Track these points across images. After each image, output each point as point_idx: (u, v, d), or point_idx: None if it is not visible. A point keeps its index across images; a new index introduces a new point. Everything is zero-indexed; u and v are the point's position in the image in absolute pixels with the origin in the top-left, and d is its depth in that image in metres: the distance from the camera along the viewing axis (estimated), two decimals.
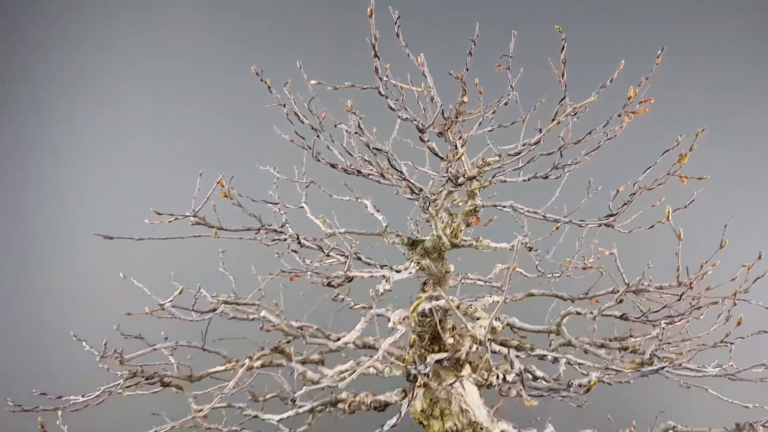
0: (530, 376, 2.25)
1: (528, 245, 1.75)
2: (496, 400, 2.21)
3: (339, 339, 1.98)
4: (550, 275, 2.04)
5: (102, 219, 3.40)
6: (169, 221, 1.62)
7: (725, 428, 1.56)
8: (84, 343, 1.87)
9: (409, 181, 1.54)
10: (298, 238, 1.56)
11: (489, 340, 1.33)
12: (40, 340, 3.51)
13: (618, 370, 1.54)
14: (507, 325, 1.76)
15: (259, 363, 1.79)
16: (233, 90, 3.55)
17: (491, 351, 1.37)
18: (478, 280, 2.07)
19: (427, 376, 1.99)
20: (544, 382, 2.26)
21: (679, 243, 1.33)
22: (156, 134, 3.61)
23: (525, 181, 1.81)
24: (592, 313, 1.59)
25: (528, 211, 1.67)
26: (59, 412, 1.79)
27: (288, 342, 1.87)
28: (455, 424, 1.90)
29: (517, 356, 1.67)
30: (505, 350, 1.66)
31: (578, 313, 1.63)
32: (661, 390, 2.82)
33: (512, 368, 1.53)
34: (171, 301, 1.49)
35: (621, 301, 1.50)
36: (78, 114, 3.67)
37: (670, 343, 1.57)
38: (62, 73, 3.71)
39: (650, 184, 1.58)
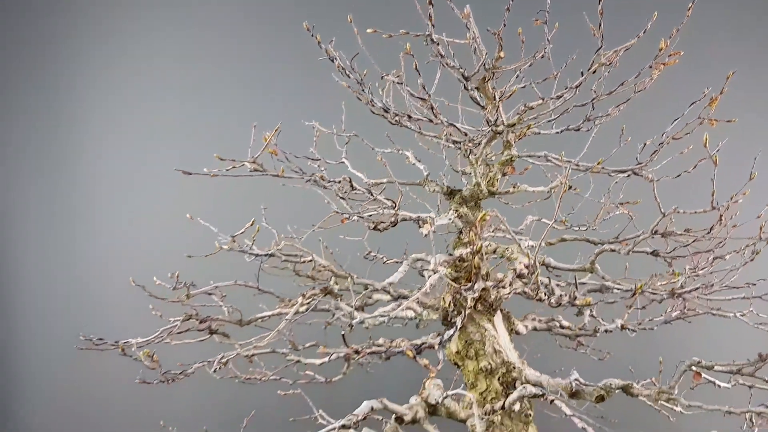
0: (557, 324, 2.38)
1: (567, 185, 1.85)
2: (521, 351, 2.34)
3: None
4: (577, 227, 2.15)
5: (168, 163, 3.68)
6: (228, 169, 1.74)
7: (748, 359, 1.67)
8: (143, 288, 2.00)
9: (454, 125, 1.64)
10: (350, 182, 1.67)
11: (535, 262, 1.43)
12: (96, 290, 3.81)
13: (653, 292, 1.66)
14: (543, 264, 1.87)
15: (306, 305, 1.91)
16: (281, 45, 3.76)
17: (539, 280, 1.47)
18: (509, 231, 2.18)
19: (463, 319, 2.11)
20: (570, 331, 2.39)
21: (715, 169, 1.43)
22: (206, 92, 3.83)
23: (558, 133, 1.92)
24: (625, 251, 1.70)
25: (561, 160, 1.77)
26: (121, 349, 1.93)
27: (336, 283, 2.00)
28: (489, 364, 2.02)
29: (558, 284, 1.79)
30: (545, 279, 1.77)
31: (612, 251, 1.74)
32: (682, 341, 2.92)
33: (553, 294, 1.64)
34: (242, 232, 1.62)
35: (656, 232, 1.61)
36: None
37: (699, 276, 1.67)
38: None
39: (679, 132, 1.68)
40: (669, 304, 2.13)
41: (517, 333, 2.28)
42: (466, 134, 1.72)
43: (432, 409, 1.80)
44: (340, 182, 1.68)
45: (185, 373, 1.85)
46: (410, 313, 2.06)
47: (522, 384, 1.88)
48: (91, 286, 3.90)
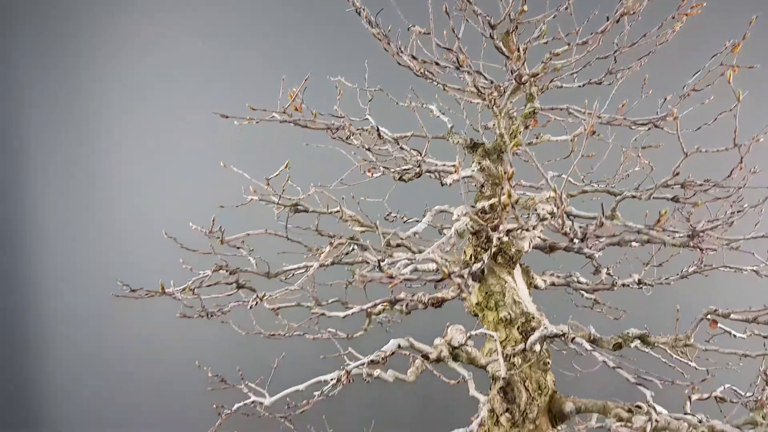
0: (575, 280, 2.43)
1: (592, 129, 1.88)
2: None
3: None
4: (596, 183, 2.19)
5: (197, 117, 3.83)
6: (257, 122, 1.80)
7: (765, 305, 1.71)
8: (175, 240, 2.08)
9: (480, 73, 1.68)
10: (378, 130, 1.72)
11: (560, 195, 1.46)
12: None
13: (673, 231, 1.70)
14: (564, 212, 1.91)
15: (333, 256, 1.98)
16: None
17: (564, 213, 1.51)
18: (530, 187, 2.23)
19: (483, 272, 2.17)
20: (587, 286, 2.44)
21: (737, 105, 1.46)
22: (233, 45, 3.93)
23: (580, 87, 1.95)
24: (646, 197, 1.74)
25: (584, 111, 1.81)
26: (161, 288, 2.01)
27: (362, 232, 2.06)
28: (509, 314, 2.09)
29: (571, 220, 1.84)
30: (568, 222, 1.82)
31: (633, 197, 1.78)
32: (698, 302, 2.96)
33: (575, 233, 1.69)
34: (277, 174, 1.68)
35: (677, 174, 1.64)
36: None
37: (718, 220, 1.71)
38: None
39: (700, 81, 1.70)
40: (686, 261, 2.18)
41: (536, 287, 2.34)
42: (492, 81, 1.75)
43: (454, 354, 1.87)
44: (367, 130, 1.72)
45: (222, 311, 1.94)
46: (432, 266, 2.12)
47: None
48: (122, 239, 4.11)
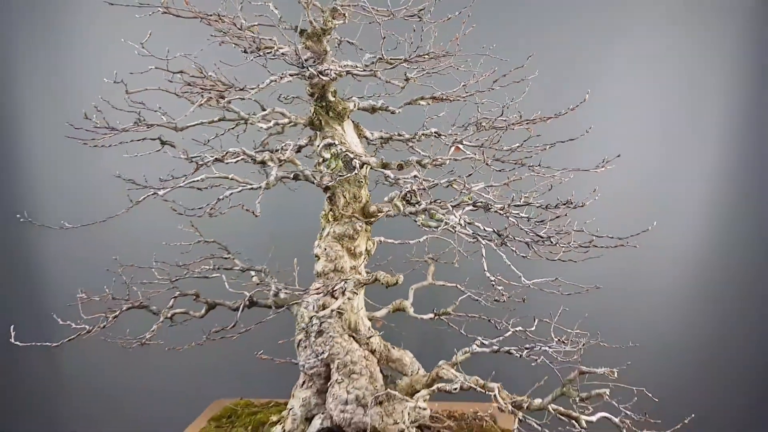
0: (397, 134, 3.47)
1: None
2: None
3: None
4: None
5: None
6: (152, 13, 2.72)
7: None
8: None
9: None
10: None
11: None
12: None
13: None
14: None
15: None
16: None
17: None
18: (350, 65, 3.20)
19: (321, 122, 3.18)
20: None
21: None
22: None
23: None
24: None
25: None
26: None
27: None
28: (337, 151, 3.11)
29: None
30: None
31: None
32: None
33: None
34: None
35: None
36: None
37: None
38: None
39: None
40: None
41: (366, 138, 3.38)
42: None
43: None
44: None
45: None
46: (285, 120, 3.13)
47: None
48: None
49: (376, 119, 3.37)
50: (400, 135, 3.40)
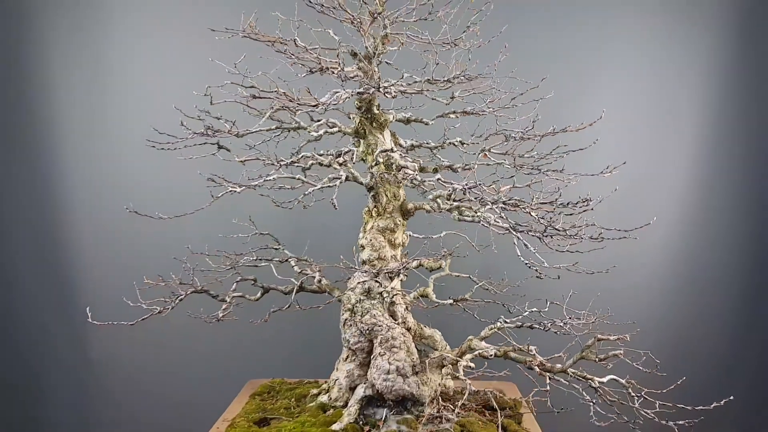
0: (425, 143, 3.97)
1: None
2: None
3: None
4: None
5: None
6: (230, 36, 3.16)
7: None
8: None
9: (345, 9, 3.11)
10: (295, 41, 3.12)
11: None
12: None
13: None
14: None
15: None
16: None
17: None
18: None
19: (365, 131, 3.65)
20: None
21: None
22: None
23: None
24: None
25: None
26: None
27: None
28: (377, 156, 3.59)
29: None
30: None
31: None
32: None
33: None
34: None
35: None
36: None
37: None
38: None
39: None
40: None
41: (401, 145, 3.87)
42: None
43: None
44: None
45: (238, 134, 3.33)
46: (335, 129, 3.59)
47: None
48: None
49: (398, 128, 3.88)
50: (427, 143, 3.90)
